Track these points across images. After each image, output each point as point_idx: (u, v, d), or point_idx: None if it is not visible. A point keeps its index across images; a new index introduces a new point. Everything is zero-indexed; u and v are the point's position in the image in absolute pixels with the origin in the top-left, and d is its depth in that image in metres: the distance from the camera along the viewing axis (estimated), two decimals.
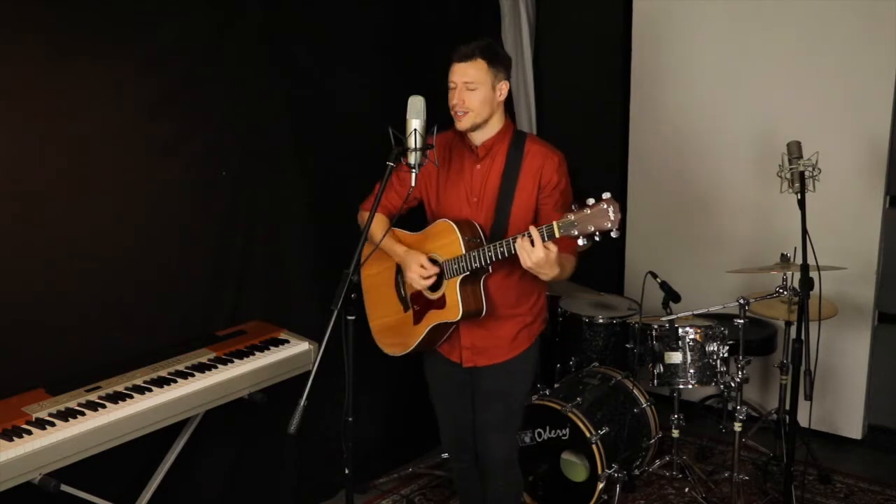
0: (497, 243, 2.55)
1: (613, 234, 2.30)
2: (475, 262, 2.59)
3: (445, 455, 3.36)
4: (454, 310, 2.67)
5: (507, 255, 2.52)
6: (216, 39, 3.12)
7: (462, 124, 2.69)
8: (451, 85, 2.68)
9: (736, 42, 4.25)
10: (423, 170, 2.84)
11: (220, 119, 3.16)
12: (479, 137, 2.75)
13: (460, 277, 2.65)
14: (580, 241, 2.34)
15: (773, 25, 4.12)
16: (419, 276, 2.71)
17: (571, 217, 2.34)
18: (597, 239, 2.33)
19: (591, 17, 4.81)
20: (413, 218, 2.90)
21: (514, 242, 2.47)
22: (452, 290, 2.67)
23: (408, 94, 2.47)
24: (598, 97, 4.83)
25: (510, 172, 2.70)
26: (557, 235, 2.38)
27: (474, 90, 2.65)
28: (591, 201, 2.32)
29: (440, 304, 2.72)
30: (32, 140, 2.63)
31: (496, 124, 2.74)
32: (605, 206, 2.29)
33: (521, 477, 3.02)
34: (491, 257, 2.56)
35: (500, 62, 2.69)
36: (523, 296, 2.81)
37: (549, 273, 2.49)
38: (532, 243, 2.42)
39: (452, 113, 2.70)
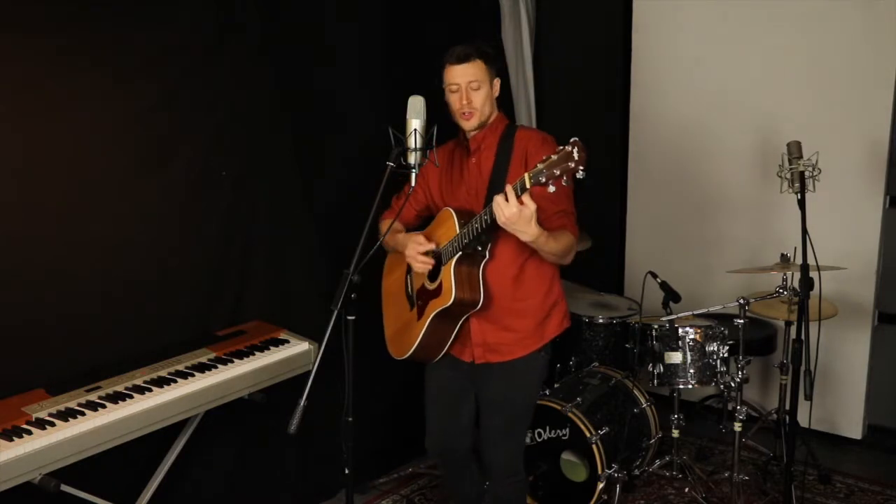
0: (481, 213, 2.54)
1: (579, 175, 2.24)
2: (465, 238, 2.58)
3: None
4: (448, 294, 2.64)
5: (489, 221, 2.47)
6: (216, 39, 3.11)
7: (471, 123, 2.72)
8: (454, 88, 2.69)
9: (736, 41, 4.24)
10: (426, 179, 2.85)
11: (220, 119, 3.16)
12: (474, 132, 2.77)
13: (454, 259, 2.63)
14: (550, 188, 2.29)
15: (773, 25, 4.12)
16: (416, 252, 2.70)
17: (540, 165, 2.30)
18: (564, 184, 2.27)
19: (592, 16, 4.81)
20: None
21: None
22: (447, 273, 2.65)
23: (408, 94, 2.47)
24: (598, 97, 4.83)
25: (501, 161, 2.71)
26: (529, 186, 2.33)
27: (478, 89, 2.68)
28: (559, 147, 2.29)
29: (438, 292, 2.71)
30: (32, 140, 2.63)
31: (491, 119, 2.78)
32: (570, 148, 2.25)
33: (525, 484, 3.02)
34: (477, 228, 2.53)
35: (493, 61, 2.73)
36: (532, 287, 2.78)
37: (526, 231, 2.41)
38: (507, 199, 2.38)
39: (458, 115, 2.71)
